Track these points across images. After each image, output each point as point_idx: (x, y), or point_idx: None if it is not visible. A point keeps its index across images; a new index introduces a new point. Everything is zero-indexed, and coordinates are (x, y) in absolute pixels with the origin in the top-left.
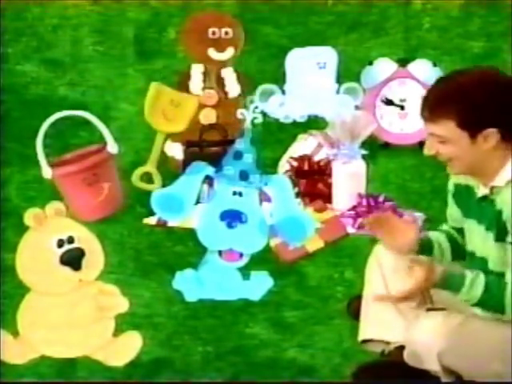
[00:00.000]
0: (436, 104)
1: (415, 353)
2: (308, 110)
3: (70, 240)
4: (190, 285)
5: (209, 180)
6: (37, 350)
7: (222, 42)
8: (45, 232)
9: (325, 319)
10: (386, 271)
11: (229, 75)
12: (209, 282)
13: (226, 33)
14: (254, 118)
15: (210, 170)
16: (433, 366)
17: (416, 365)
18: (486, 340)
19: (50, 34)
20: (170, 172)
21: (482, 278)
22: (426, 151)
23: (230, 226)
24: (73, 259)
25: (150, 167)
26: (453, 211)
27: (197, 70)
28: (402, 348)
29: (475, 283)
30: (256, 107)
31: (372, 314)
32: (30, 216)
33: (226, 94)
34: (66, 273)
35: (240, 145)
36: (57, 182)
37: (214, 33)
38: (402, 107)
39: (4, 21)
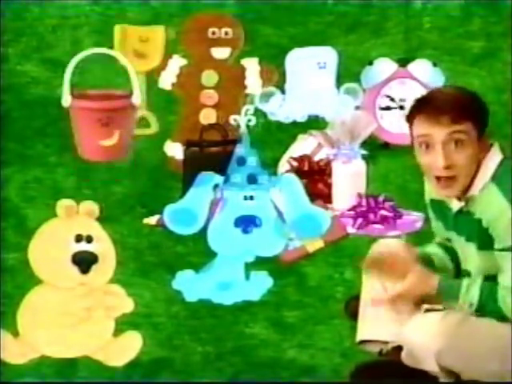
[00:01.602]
0: (458, 105)
1: (413, 353)
2: (308, 109)
3: (89, 239)
4: (189, 285)
5: (218, 189)
6: (37, 350)
7: (221, 42)
8: (68, 224)
9: (325, 319)
10: None
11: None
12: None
13: (226, 33)
14: (248, 120)
15: (218, 179)
16: (431, 366)
17: (414, 365)
18: (485, 340)
19: (50, 34)
20: (170, 172)
21: (478, 282)
22: (444, 162)
23: (245, 231)
24: (84, 262)
25: (143, 111)
26: (436, 224)
27: (175, 62)
28: (399, 348)
29: (471, 288)
30: (248, 109)
31: (370, 314)
32: (61, 205)
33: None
34: (72, 272)
35: (241, 150)
36: (72, 112)
37: (213, 33)
38: (402, 107)
39: (4, 21)
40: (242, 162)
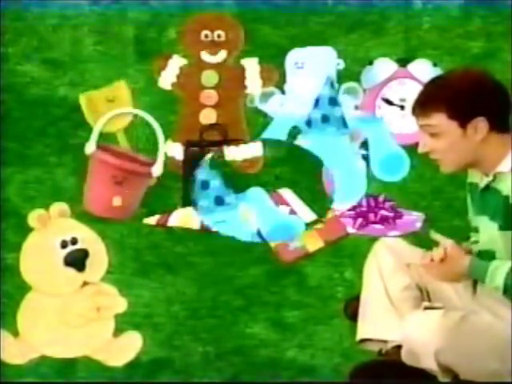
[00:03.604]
0: (427, 98)
1: (412, 351)
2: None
3: (74, 241)
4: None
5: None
6: (37, 350)
7: (220, 43)
8: (48, 233)
9: (325, 319)
10: (385, 271)
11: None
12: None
13: (226, 34)
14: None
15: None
16: (430, 364)
17: (413, 363)
18: (484, 338)
19: (50, 34)
20: (170, 172)
21: (507, 266)
22: (421, 148)
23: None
24: (77, 260)
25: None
26: (470, 212)
27: (175, 62)
28: (399, 347)
29: (498, 271)
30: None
31: (370, 313)
32: (33, 217)
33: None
34: (69, 274)
35: (202, 174)
36: (91, 161)
37: (211, 34)
38: (402, 107)
39: (4, 21)
40: (205, 185)
